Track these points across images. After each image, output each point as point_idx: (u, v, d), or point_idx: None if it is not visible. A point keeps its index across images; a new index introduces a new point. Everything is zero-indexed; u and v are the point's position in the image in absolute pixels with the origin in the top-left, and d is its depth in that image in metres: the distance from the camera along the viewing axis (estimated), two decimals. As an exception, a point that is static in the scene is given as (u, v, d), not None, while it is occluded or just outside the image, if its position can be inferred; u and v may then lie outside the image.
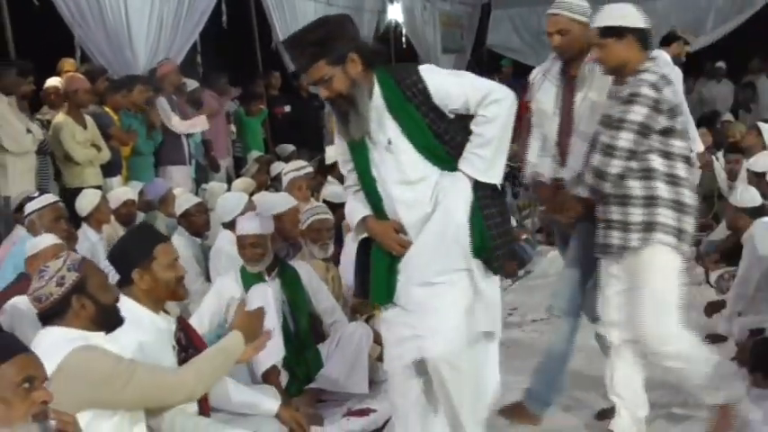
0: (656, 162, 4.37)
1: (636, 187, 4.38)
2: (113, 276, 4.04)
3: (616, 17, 4.47)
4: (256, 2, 12.00)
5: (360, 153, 4.03)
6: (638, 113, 4.29)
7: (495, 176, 4.01)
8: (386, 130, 3.92)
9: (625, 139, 4.29)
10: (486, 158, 3.93)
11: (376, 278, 4.13)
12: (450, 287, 3.97)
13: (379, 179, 4.00)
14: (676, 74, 7.99)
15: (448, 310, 3.96)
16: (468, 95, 3.90)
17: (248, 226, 5.74)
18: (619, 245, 4.44)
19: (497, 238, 4.02)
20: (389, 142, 3.91)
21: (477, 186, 3.98)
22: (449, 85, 3.93)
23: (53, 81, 8.66)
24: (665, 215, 4.35)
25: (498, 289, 4.22)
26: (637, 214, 4.37)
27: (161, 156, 9.35)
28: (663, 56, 8.11)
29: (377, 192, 4.03)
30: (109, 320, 3.51)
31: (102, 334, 3.48)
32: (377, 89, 3.91)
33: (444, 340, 3.93)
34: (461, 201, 3.96)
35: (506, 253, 4.18)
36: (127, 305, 3.88)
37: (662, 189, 4.36)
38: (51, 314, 3.41)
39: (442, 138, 3.94)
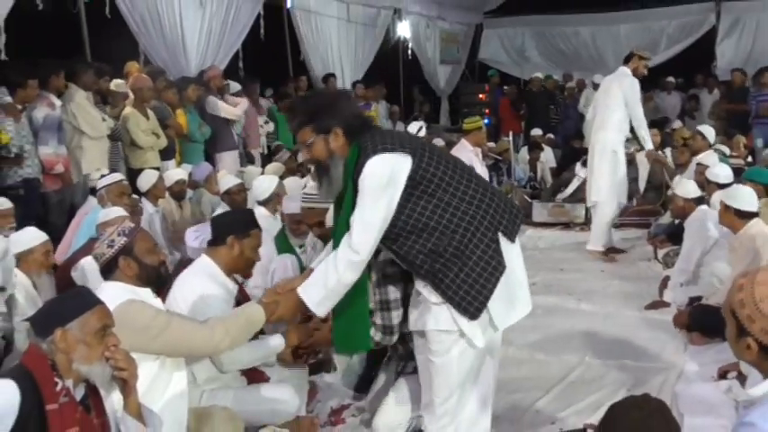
0: None
1: None
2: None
3: None
4: (288, 19, 11.98)
5: None
6: None
7: (317, 310, 3.52)
8: None
9: None
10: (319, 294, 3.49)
11: None
12: None
13: None
14: (632, 82, 8.17)
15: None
16: (353, 220, 3.39)
17: (293, 206, 5.73)
18: None
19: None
20: None
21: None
22: (361, 196, 3.39)
23: (112, 83, 8.64)
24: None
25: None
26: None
27: (215, 145, 9.35)
28: (623, 69, 8.21)
29: None
30: (152, 279, 3.55)
31: (149, 290, 3.53)
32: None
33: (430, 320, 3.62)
34: None
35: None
36: (207, 262, 4.07)
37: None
38: (106, 270, 3.48)
39: None
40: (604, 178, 8.34)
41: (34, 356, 2.79)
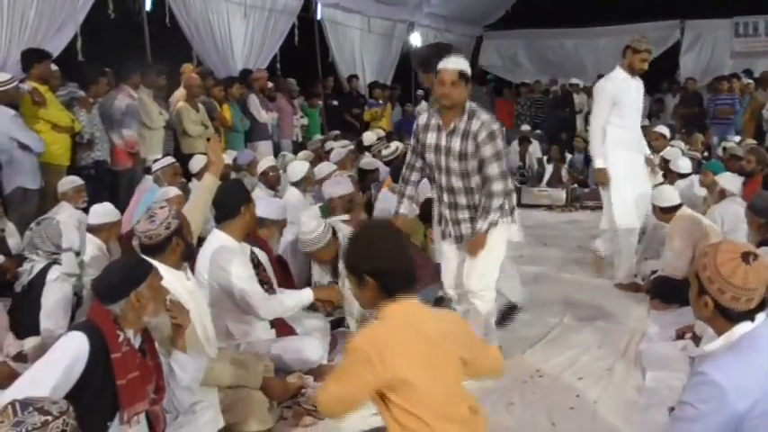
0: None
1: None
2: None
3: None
4: (319, 28, 11.93)
5: None
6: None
7: None
8: None
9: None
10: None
11: None
12: None
13: None
14: (596, 87, 6.35)
15: None
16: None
17: (340, 189, 5.85)
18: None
19: None
20: None
21: None
22: None
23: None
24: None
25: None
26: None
27: (252, 135, 9.27)
28: (617, 71, 6.01)
29: None
30: (190, 254, 3.56)
31: (182, 274, 3.45)
32: None
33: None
34: None
35: None
36: (222, 235, 4.06)
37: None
38: (156, 249, 3.35)
39: None
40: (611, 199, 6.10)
41: (99, 313, 2.79)
